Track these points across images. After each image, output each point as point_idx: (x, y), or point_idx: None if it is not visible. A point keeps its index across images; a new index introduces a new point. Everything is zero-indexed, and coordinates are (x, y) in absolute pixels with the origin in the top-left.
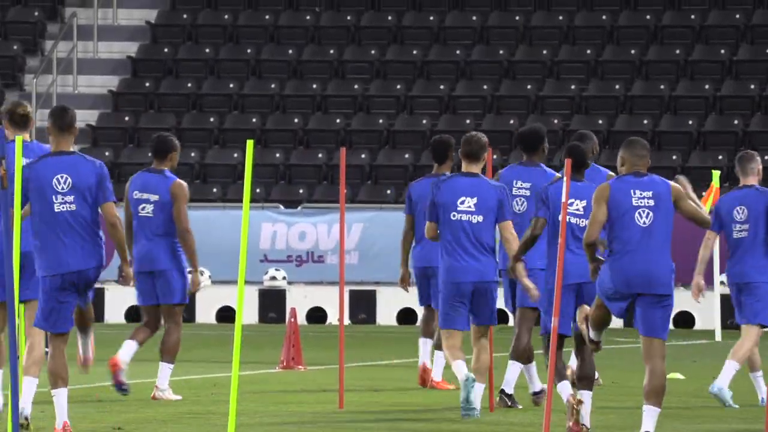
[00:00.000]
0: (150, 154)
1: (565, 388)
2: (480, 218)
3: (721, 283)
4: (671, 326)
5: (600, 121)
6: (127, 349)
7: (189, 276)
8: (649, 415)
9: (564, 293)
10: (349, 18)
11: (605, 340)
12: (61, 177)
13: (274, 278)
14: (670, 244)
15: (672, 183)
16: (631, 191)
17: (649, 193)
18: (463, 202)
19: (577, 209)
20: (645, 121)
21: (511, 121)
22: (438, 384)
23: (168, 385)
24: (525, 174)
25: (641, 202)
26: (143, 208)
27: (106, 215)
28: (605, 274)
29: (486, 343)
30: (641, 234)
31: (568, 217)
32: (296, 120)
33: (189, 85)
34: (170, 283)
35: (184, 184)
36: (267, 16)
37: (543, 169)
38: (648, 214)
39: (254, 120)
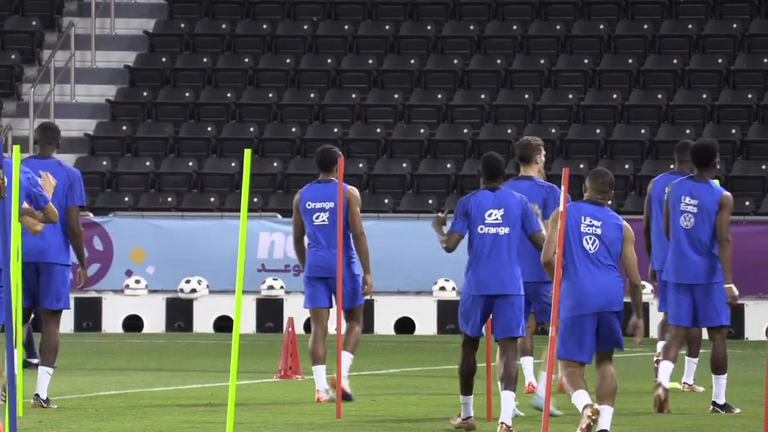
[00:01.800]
0: (317, 166)
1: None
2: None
3: None
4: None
5: (597, 130)
6: (346, 361)
7: (360, 278)
8: (606, 413)
9: (476, 302)
10: (346, 27)
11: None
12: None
13: (271, 287)
14: (617, 265)
15: (625, 224)
16: (582, 218)
17: (599, 223)
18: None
19: (496, 219)
20: (642, 131)
21: (509, 131)
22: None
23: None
24: (694, 190)
25: (589, 230)
26: (318, 217)
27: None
28: (563, 302)
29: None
30: (589, 258)
31: (486, 228)
32: (294, 129)
33: (187, 94)
34: (345, 289)
35: (356, 189)
36: (264, 26)
37: (711, 185)
38: (594, 241)
39: (252, 129)
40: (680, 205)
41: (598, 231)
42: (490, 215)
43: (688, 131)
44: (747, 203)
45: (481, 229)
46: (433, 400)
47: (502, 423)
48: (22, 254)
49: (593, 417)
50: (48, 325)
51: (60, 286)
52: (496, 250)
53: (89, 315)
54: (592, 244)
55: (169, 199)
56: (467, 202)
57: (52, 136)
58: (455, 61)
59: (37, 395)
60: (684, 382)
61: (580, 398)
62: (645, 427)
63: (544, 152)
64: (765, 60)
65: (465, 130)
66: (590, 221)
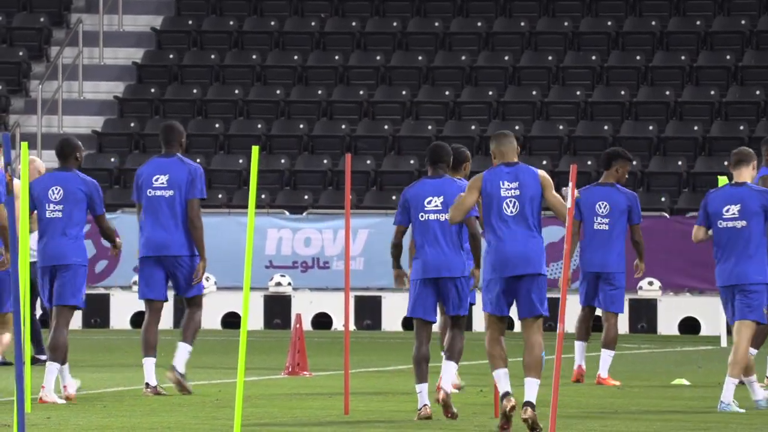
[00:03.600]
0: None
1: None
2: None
3: None
4: (677, 332)
5: (605, 127)
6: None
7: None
8: (531, 386)
9: (426, 285)
10: (354, 24)
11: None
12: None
13: (279, 284)
14: (540, 226)
15: (540, 172)
16: (500, 182)
17: (515, 184)
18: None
19: (436, 206)
20: (650, 127)
21: (516, 127)
22: (605, 380)
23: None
24: None
25: (508, 193)
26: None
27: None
28: (485, 266)
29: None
30: (510, 222)
31: (427, 215)
32: (301, 126)
33: (194, 91)
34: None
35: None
36: (272, 22)
37: None
38: (515, 203)
39: (259, 126)
40: None
41: (517, 192)
42: (429, 202)
43: (695, 128)
44: None
45: (422, 216)
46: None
47: (441, 388)
48: (150, 248)
49: (510, 413)
50: (191, 309)
51: (187, 277)
52: (441, 234)
53: (97, 312)
54: (513, 207)
55: None
56: (405, 193)
57: (174, 136)
58: (463, 58)
59: (173, 366)
60: None
61: (501, 382)
62: (652, 423)
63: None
64: None
65: (472, 127)
66: (508, 185)
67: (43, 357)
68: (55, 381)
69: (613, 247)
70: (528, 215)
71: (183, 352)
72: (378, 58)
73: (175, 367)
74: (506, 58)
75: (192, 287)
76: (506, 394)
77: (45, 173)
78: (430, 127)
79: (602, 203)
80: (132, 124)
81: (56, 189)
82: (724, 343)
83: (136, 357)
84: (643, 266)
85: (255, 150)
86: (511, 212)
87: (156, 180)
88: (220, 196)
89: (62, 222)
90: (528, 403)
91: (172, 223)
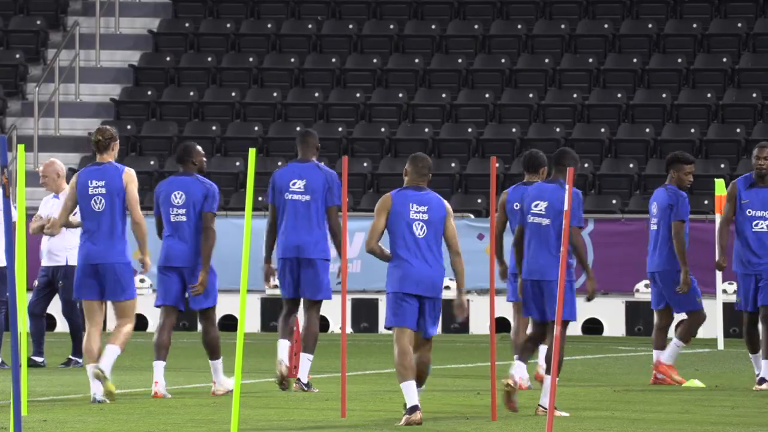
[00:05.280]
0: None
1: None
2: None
3: (724, 291)
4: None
5: (602, 130)
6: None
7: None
8: (415, 390)
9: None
10: (350, 26)
11: (605, 348)
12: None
13: (276, 286)
14: (441, 251)
15: (446, 202)
16: (410, 204)
17: (424, 208)
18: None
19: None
20: (647, 130)
21: (513, 130)
22: (661, 366)
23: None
24: None
25: (417, 216)
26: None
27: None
28: (391, 282)
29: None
30: (417, 244)
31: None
32: (298, 128)
33: (191, 93)
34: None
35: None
36: (269, 25)
37: None
38: (422, 227)
39: (256, 128)
40: None
41: (425, 216)
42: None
43: (692, 130)
44: None
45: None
46: (438, 399)
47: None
48: (283, 250)
49: (417, 422)
50: (309, 313)
51: (318, 279)
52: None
53: None
54: (421, 230)
55: None
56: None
57: (309, 141)
58: (459, 61)
59: (298, 379)
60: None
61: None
62: (649, 426)
63: None
64: None
65: (469, 130)
66: (417, 207)
67: (40, 359)
68: (163, 376)
69: (663, 245)
70: (433, 240)
71: (306, 363)
72: (375, 60)
73: (300, 380)
74: (503, 60)
75: (318, 292)
76: (414, 408)
77: (168, 177)
78: (426, 130)
79: (653, 204)
80: (129, 127)
81: (178, 194)
82: (720, 345)
83: (133, 359)
84: (684, 271)
85: (252, 152)
86: (419, 235)
87: (293, 184)
88: None
89: (187, 225)
90: (415, 407)
91: (307, 227)
